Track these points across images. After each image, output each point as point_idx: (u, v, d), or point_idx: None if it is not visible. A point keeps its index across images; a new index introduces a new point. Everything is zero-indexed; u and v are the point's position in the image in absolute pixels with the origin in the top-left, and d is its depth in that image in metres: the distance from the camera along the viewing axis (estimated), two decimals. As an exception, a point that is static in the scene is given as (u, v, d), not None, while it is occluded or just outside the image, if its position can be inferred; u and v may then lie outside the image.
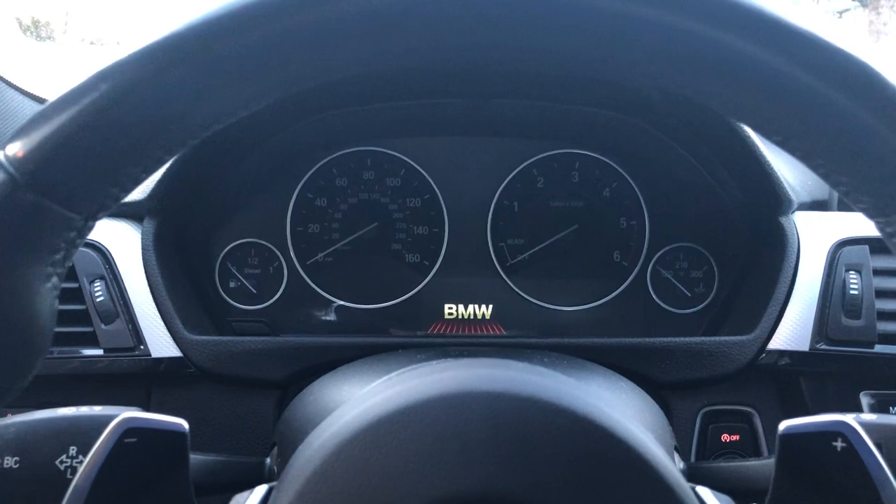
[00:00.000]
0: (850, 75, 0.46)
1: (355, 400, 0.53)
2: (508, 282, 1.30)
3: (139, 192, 1.13)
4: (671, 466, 0.48)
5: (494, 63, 0.50)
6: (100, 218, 0.52)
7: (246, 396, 1.09)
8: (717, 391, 1.11)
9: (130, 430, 0.59)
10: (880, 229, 0.51)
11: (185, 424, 0.61)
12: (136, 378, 1.08)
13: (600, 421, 0.48)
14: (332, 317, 1.30)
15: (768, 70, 0.47)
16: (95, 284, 1.07)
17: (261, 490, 0.54)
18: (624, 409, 0.55)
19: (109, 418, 0.59)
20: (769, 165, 1.10)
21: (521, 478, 0.46)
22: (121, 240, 1.12)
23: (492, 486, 0.46)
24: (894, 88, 0.46)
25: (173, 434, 0.60)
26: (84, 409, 0.68)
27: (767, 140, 0.52)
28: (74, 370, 1.05)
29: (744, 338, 1.08)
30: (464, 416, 0.48)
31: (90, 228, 0.52)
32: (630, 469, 0.47)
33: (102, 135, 0.47)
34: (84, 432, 0.64)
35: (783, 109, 0.48)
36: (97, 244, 1.10)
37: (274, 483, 0.53)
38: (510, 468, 0.46)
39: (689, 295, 1.28)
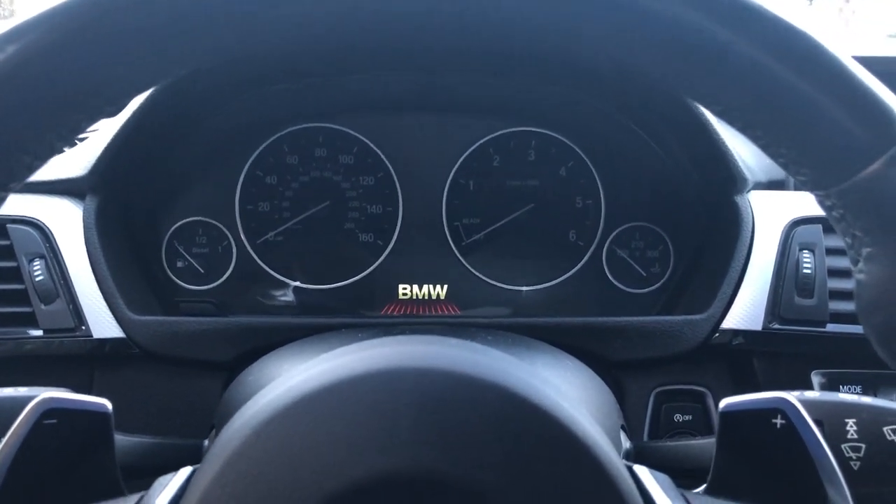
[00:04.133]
0: (788, 44, 0.45)
1: (280, 379, 0.51)
2: (464, 261, 1.29)
3: (80, 168, 1.09)
4: (604, 444, 0.47)
5: (427, 33, 0.49)
6: (14, 188, 0.49)
7: (192, 378, 1.07)
8: (671, 371, 1.11)
9: (50, 411, 0.56)
10: (820, 202, 0.50)
11: (109, 405, 0.59)
12: (78, 359, 1.05)
13: (531, 397, 0.46)
14: (282, 297, 1.27)
15: (704, 38, 0.45)
16: (35, 263, 1.04)
17: (185, 472, 0.52)
18: (564, 387, 0.53)
19: (30, 399, 0.57)
20: (723, 144, 1.09)
21: (449, 456, 0.45)
22: (62, 217, 1.08)
23: (417, 465, 0.44)
24: (833, 59, 0.45)
25: (96, 414, 0.58)
26: (8, 391, 0.66)
27: (708, 111, 0.51)
28: (12, 352, 1.02)
29: (697, 317, 1.08)
30: (390, 393, 0.46)
31: (2, 199, 0.49)
32: (560, 447, 0.46)
33: (8, 100, 0.44)
34: (5, 414, 0.61)
35: (721, 79, 0.47)
36: (37, 221, 1.07)
37: (198, 466, 0.51)
38: (437, 447, 0.45)
39: (645, 274, 1.28)
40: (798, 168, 0.49)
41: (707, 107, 0.50)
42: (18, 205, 1.08)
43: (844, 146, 0.46)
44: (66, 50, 0.44)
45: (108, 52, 0.45)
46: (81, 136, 0.49)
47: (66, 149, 0.50)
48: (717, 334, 1.08)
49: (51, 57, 0.44)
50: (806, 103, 0.45)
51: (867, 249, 0.48)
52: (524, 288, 1.29)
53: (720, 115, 0.50)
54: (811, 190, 0.50)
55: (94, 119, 0.49)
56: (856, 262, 0.49)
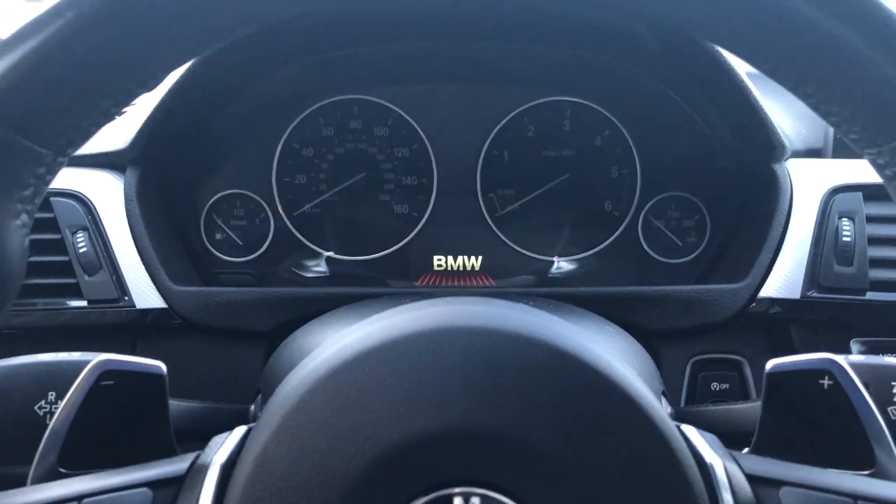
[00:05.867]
0: None
1: (334, 338, 0.52)
2: (498, 232, 1.29)
3: (121, 142, 1.11)
4: (654, 401, 0.47)
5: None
6: (70, 154, 0.50)
7: (233, 347, 1.08)
8: (708, 340, 1.11)
9: (107, 373, 0.58)
10: (872, 161, 0.50)
11: (163, 367, 0.60)
12: (122, 329, 1.07)
13: (581, 355, 0.47)
14: (318, 268, 1.29)
15: None
16: (78, 235, 1.05)
17: (240, 431, 0.54)
18: (608, 349, 0.54)
19: (87, 363, 0.59)
20: (762, 111, 1.08)
21: (501, 412, 0.45)
22: (103, 190, 1.10)
23: (471, 420, 0.45)
24: (887, 12, 0.45)
25: (151, 376, 0.60)
26: (63, 355, 0.67)
27: (756, 69, 0.51)
28: (58, 322, 1.04)
29: (735, 286, 1.07)
30: (443, 351, 0.47)
31: (60, 164, 0.50)
32: (612, 403, 0.46)
33: (69, 65, 0.45)
34: (62, 377, 0.63)
35: (771, 36, 0.47)
36: (79, 195, 1.08)
37: (253, 424, 0.52)
38: (489, 403, 0.45)
39: (681, 244, 1.27)
40: (850, 126, 0.48)
41: (756, 65, 0.50)
42: (60, 178, 1.07)
43: None
44: (120, 15, 0.45)
45: (160, 17, 0.46)
46: (133, 102, 0.50)
47: (118, 116, 0.51)
48: (754, 303, 1.07)
49: (107, 22, 0.45)
50: (858, 59, 0.45)
51: (921, 207, 0.47)
52: (559, 258, 1.29)
53: (770, 73, 0.49)
54: (863, 148, 0.49)
55: (147, 85, 0.50)
56: (909, 221, 0.49)
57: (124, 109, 0.51)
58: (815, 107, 0.49)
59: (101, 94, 0.47)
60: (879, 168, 0.49)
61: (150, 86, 0.50)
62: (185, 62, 0.51)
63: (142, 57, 0.47)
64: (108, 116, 0.49)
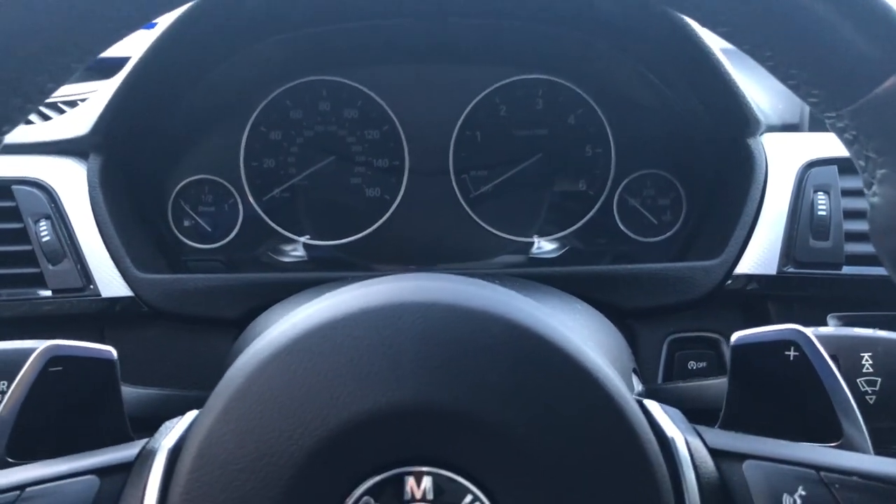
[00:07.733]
0: None
1: (283, 319, 0.50)
2: (472, 214, 1.27)
3: (83, 127, 1.08)
4: (611, 374, 0.46)
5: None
6: (6, 132, 0.48)
7: (202, 334, 1.07)
8: (684, 318, 1.10)
9: (55, 359, 0.56)
10: (831, 125, 0.49)
11: (114, 352, 0.59)
12: (88, 319, 1.05)
13: (534, 328, 0.46)
14: (296, 253, 1.27)
15: None
16: (41, 224, 1.03)
17: (190, 415, 0.52)
18: (570, 324, 0.52)
19: (36, 350, 0.57)
20: (735, 84, 1.07)
21: (454, 387, 0.44)
22: (66, 177, 1.08)
23: (423, 396, 0.44)
24: None
25: (101, 361, 0.58)
26: (13, 343, 0.66)
27: (713, 32, 0.49)
28: (22, 312, 1.02)
29: (710, 262, 1.06)
30: (392, 327, 0.45)
31: None
32: (566, 377, 0.45)
33: None
34: (13, 365, 0.61)
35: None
36: (42, 182, 1.06)
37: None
38: (442, 378, 0.44)
39: (657, 223, 1.26)
40: (809, 89, 0.47)
41: (713, 28, 0.49)
42: (22, 166, 1.07)
43: (855, 64, 0.44)
44: None
45: None
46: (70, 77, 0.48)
47: (54, 90, 0.49)
48: (730, 280, 1.06)
49: None
50: (816, 20, 0.44)
51: (881, 171, 0.46)
52: (534, 239, 1.28)
53: (727, 36, 0.48)
54: (822, 112, 0.48)
55: (84, 59, 0.48)
56: (869, 186, 0.48)
57: (62, 83, 0.50)
58: (773, 70, 0.48)
59: (33, 69, 0.46)
60: (839, 132, 0.48)
61: (87, 60, 0.49)
62: (123, 37, 0.49)
63: (77, 31, 0.45)
64: (44, 92, 0.48)
